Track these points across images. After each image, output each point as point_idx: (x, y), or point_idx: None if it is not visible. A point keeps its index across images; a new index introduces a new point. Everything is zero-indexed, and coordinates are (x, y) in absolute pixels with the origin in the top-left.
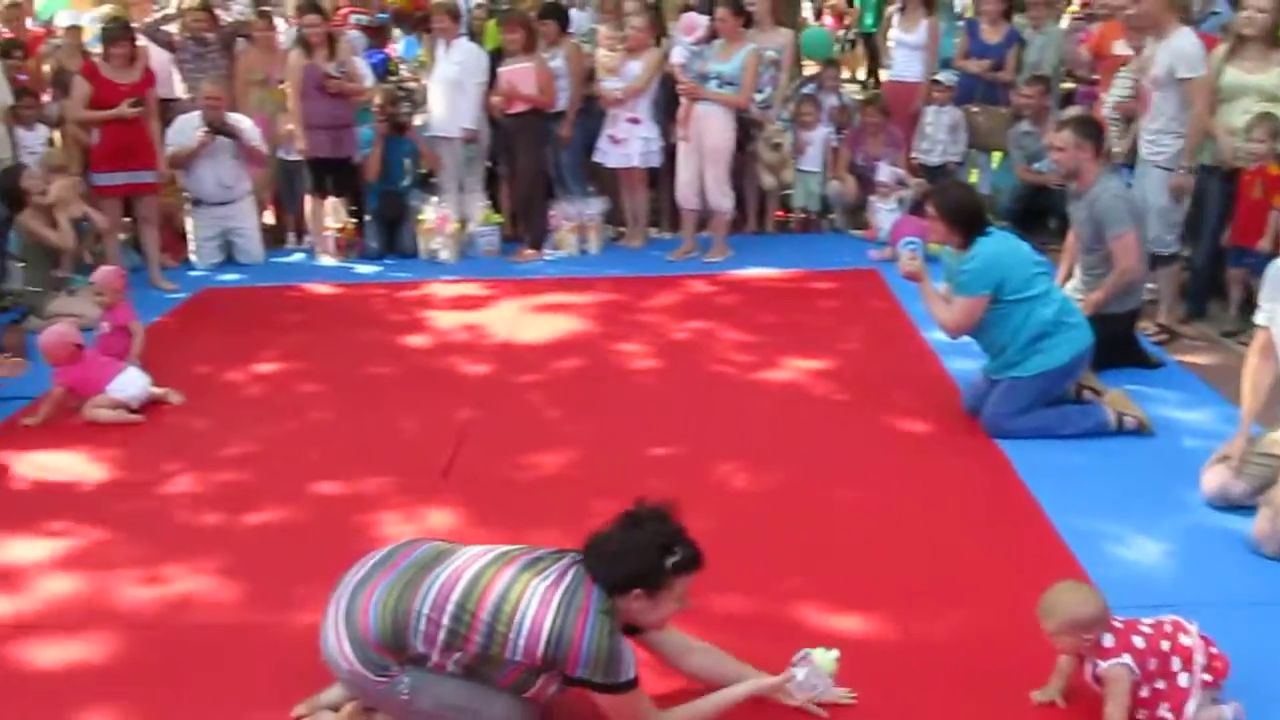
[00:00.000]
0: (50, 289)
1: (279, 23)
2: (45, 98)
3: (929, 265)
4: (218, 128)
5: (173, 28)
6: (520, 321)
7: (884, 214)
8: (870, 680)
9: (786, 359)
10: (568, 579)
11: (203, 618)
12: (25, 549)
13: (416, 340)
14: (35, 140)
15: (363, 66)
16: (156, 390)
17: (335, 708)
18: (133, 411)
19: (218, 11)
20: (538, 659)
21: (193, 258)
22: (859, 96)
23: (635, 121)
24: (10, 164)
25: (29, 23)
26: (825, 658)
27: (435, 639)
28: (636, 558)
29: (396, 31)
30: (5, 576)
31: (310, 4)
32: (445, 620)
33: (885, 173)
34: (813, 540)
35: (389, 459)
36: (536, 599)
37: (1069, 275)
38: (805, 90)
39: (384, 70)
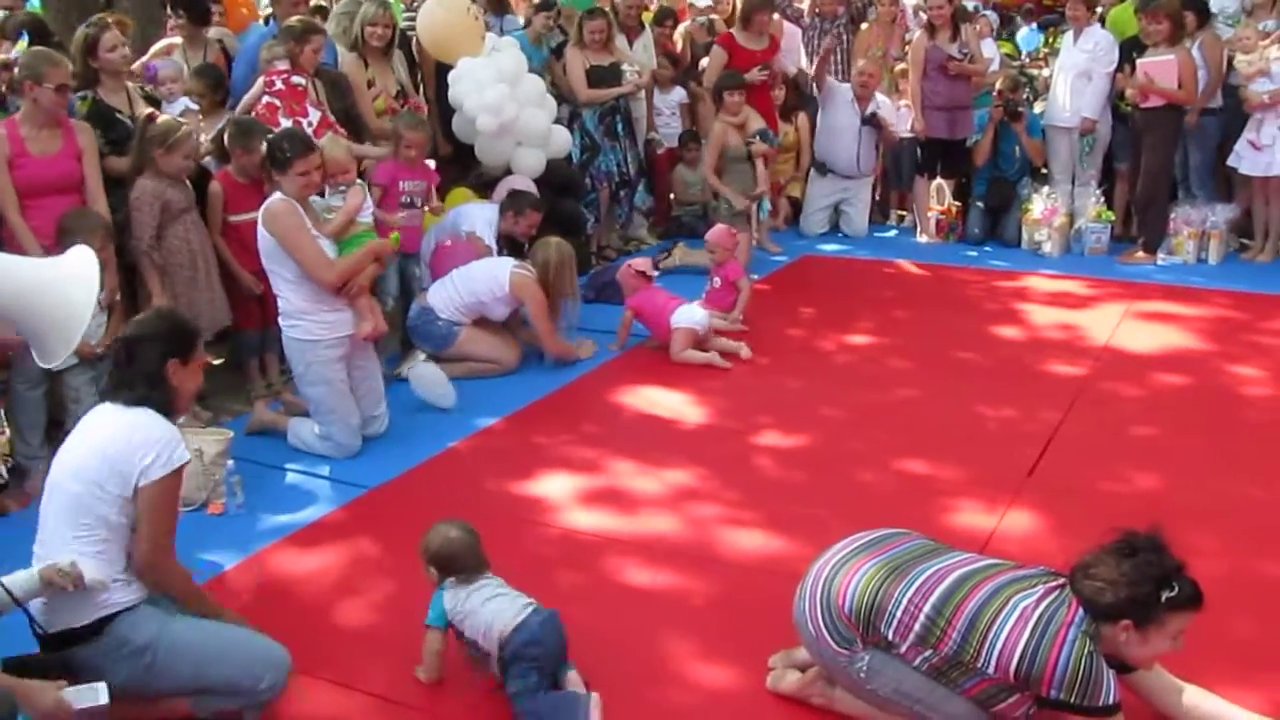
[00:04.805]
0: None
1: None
2: None
3: None
4: (865, 119)
5: (804, 4)
6: (1124, 327)
7: None
8: None
9: None
10: (1051, 598)
11: (779, 566)
12: (632, 475)
13: (1009, 331)
14: (674, 100)
15: (988, 49)
16: (727, 343)
17: (802, 668)
18: (721, 356)
19: None
20: (1010, 675)
21: (801, 224)
22: None
23: None
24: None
25: None
26: None
27: (909, 630)
28: (1128, 587)
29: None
30: (615, 496)
31: None
32: (921, 617)
33: None
34: None
35: (972, 447)
36: (1015, 614)
37: None
38: None
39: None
